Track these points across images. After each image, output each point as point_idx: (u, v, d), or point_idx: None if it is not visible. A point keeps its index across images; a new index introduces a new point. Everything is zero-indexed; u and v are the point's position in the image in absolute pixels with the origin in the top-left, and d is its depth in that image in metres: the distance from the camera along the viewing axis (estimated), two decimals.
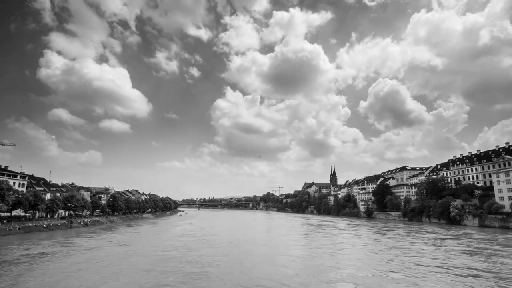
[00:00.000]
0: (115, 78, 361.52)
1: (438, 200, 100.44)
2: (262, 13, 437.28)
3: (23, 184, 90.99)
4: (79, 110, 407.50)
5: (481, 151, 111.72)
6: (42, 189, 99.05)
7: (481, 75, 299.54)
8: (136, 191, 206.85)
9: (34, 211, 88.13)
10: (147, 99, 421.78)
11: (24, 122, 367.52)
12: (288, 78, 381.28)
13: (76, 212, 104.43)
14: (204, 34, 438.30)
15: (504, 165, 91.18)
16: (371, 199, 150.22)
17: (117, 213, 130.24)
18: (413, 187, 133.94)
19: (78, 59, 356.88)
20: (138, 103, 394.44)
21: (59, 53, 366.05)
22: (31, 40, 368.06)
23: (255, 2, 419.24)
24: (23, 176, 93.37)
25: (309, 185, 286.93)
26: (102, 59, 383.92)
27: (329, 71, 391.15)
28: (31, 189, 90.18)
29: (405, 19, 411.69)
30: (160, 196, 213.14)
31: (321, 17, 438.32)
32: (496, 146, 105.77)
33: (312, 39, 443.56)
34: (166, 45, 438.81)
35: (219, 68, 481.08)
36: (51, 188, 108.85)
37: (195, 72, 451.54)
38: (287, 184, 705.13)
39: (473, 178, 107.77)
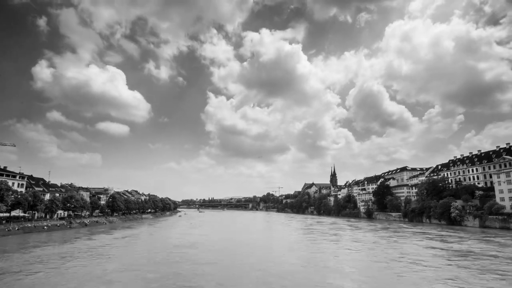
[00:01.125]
0: (111, 83, 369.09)
1: (438, 201, 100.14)
2: (237, 35, 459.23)
3: (22, 185, 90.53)
4: (77, 112, 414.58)
5: (482, 151, 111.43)
6: (41, 189, 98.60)
7: (459, 80, 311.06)
8: (136, 191, 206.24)
9: (33, 212, 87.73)
10: (145, 104, 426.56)
11: (24, 123, 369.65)
12: (272, 82, 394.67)
13: (75, 213, 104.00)
14: (186, 46, 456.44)
15: (505, 166, 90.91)
16: (371, 199, 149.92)
17: (117, 214, 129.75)
18: (414, 187, 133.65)
19: (73, 67, 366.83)
20: (136, 107, 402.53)
21: (56, 61, 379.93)
22: (29, 50, 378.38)
23: (229, 24, 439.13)
24: (22, 176, 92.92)
25: (309, 186, 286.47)
26: (97, 66, 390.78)
27: (310, 74, 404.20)
28: (30, 189, 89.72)
29: (381, 30, 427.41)
30: (160, 197, 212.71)
31: (293, 32, 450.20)
32: (497, 147, 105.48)
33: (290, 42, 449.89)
34: (153, 55, 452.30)
35: (203, 77, 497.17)
36: (50, 189, 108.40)
37: (181, 80, 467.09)
38: (287, 184, 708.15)
39: (473, 179, 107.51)
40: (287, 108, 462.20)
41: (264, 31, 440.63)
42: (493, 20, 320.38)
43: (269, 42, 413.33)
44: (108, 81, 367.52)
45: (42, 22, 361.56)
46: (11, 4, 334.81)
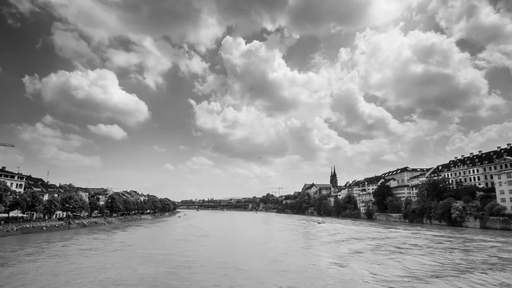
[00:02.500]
0: (108, 88, 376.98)
1: (439, 202, 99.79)
2: (214, 52, 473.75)
3: (20, 185, 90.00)
4: (77, 116, 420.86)
5: (483, 152, 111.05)
6: (39, 190, 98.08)
7: (436, 86, 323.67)
8: (135, 192, 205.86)
9: (32, 212, 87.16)
10: (143, 108, 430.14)
11: (24, 126, 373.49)
12: (254, 87, 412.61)
13: (74, 213, 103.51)
14: (169, 60, 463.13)
15: (506, 166, 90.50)
16: (371, 200, 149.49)
17: (116, 214, 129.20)
18: (414, 188, 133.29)
19: (70, 76, 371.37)
20: (133, 111, 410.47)
21: (54, 72, 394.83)
22: (29, 62, 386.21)
23: (206, 44, 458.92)
24: (20, 176, 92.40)
25: (309, 186, 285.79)
26: (91, 74, 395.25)
27: (286, 77, 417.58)
28: (29, 189, 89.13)
29: (353, 43, 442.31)
30: (159, 197, 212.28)
31: (269, 45, 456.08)
32: (498, 147, 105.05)
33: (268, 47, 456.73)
34: (141, 66, 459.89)
35: (185, 86, 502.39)
36: (49, 189, 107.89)
37: (165, 88, 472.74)
38: (287, 185, 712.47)
39: (474, 180, 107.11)
40: (274, 111, 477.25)
41: (241, 43, 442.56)
42: (450, 32, 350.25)
43: (246, 51, 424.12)
44: (104, 86, 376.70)
45: (40, 42, 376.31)
46: (11, 26, 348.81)
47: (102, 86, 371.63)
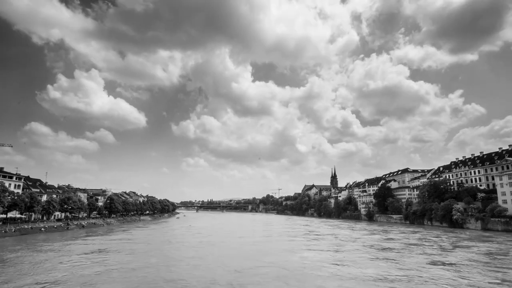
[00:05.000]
0: (101, 96, 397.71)
1: (440, 203, 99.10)
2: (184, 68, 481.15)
3: (19, 186, 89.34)
4: (73, 120, 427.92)
5: (484, 153, 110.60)
6: (38, 190, 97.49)
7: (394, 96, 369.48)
8: (134, 193, 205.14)
9: (30, 213, 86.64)
10: (138, 114, 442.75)
11: (22, 126, 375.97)
12: (230, 95, 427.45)
13: (73, 214, 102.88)
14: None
15: (507, 168, 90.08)
16: (372, 201, 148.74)
17: (114, 215, 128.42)
18: (415, 189, 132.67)
19: (65, 86, 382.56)
20: (126, 119, 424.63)
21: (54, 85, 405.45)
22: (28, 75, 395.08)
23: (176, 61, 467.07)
24: (19, 177, 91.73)
25: (310, 188, 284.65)
26: (87, 82, 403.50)
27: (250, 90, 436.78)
28: (27, 190, 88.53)
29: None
30: (158, 198, 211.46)
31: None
32: (499, 148, 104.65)
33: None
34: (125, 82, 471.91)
35: (167, 96, 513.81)
36: (47, 190, 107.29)
37: (148, 97, 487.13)
38: (287, 186, 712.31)
39: (475, 181, 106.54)
40: (255, 117, 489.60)
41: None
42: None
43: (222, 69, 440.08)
44: (98, 94, 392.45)
45: (34, 62, 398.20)
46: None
47: (95, 93, 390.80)
